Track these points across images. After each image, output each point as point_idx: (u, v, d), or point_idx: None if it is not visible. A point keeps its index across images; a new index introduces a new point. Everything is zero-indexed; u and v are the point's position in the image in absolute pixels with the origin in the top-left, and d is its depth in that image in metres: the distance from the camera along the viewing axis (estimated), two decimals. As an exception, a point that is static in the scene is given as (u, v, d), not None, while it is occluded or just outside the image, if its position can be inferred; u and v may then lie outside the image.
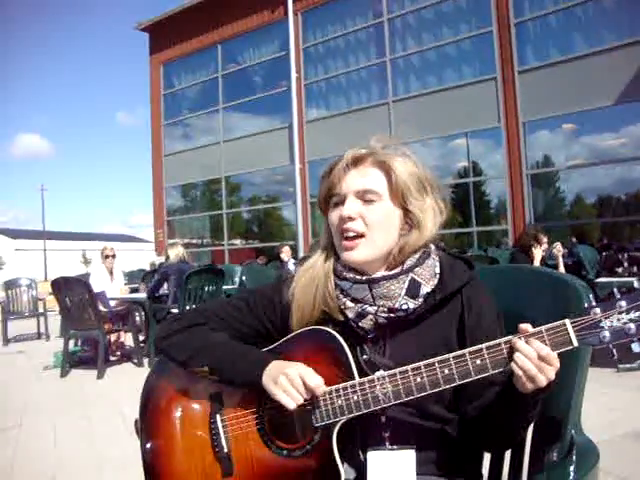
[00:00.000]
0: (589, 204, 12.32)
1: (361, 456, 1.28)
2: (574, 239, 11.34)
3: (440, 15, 13.13)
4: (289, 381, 1.20)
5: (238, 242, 17.58)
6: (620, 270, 5.34)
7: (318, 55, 15.12)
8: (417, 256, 1.33)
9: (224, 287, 7.01)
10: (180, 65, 18.18)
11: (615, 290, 1.12)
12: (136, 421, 1.46)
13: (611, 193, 11.94)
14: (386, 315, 1.28)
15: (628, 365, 4.96)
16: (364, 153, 1.31)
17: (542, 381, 1.09)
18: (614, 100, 10.67)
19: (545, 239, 6.22)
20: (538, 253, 6.03)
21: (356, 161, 1.30)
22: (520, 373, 1.09)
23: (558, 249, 6.50)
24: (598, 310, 1.10)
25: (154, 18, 18.24)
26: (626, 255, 5.48)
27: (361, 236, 1.29)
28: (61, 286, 6.23)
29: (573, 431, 1.30)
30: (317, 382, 1.20)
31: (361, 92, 14.45)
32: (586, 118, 11.41)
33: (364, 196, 1.28)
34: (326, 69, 15.00)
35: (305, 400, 1.21)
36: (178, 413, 1.38)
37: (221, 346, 1.36)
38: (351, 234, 1.28)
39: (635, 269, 5.27)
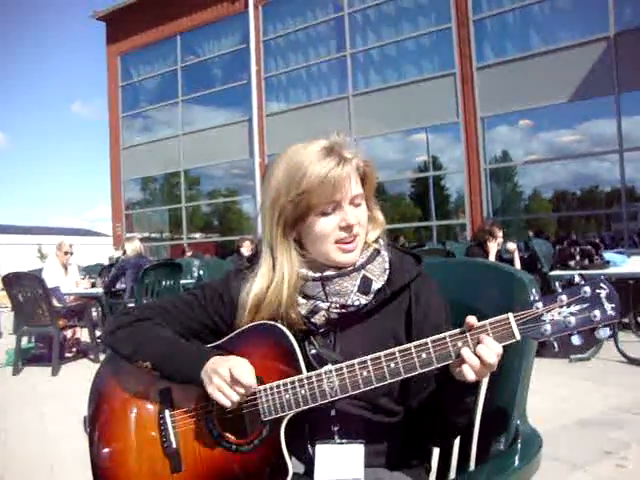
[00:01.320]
0: (545, 199, 12.59)
1: (310, 450, 1.28)
2: (531, 233, 11.58)
3: (400, 10, 13.20)
4: (222, 379, 1.20)
5: (197, 236, 17.43)
6: (572, 263, 5.47)
7: (278, 48, 15.04)
8: (368, 253, 1.35)
9: (182, 282, 6.95)
10: (138, 56, 17.86)
11: (557, 284, 1.15)
12: (84, 418, 1.44)
13: (567, 188, 12.22)
14: (338, 311, 1.29)
15: (579, 355, 5.10)
16: (349, 158, 1.28)
17: (484, 376, 1.14)
18: (569, 97, 10.91)
19: (500, 233, 6.32)
20: (493, 247, 6.14)
21: (345, 165, 1.27)
22: (473, 376, 1.12)
23: (511, 245, 6.63)
24: (540, 304, 1.12)
25: (111, 7, 17.86)
26: (578, 249, 5.61)
27: (357, 236, 1.30)
28: (13, 281, 6.08)
29: (518, 421, 1.32)
30: (243, 374, 1.19)
31: (321, 86, 14.44)
32: (543, 114, 11.64)
33: (354, 200, 1.29)
34: (286, 62, 14.94)
35: (239, 395, 1.20)
36: (127, 409, 1.36)
37: (163, 341, 1.34)
38: (351, 238, 1.29)
39: (587, 262, 5.41)
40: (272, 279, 1.31)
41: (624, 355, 5.07)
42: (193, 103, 16.80)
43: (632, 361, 5.00)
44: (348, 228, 1.27)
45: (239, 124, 15.47)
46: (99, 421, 1.39)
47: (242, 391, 1.20)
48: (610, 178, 11.23)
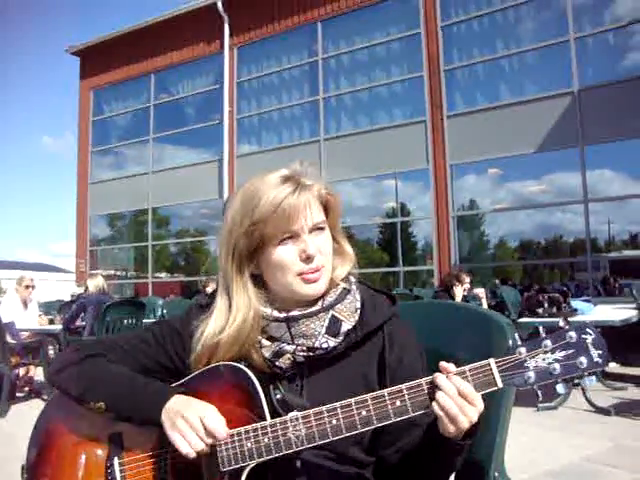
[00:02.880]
0: (511, 247, 12.73)
1: (272, 505, 1.17)
2: (497, 281, 11.66)
3: (373, 58, 13.46)
4: (188, 424, 1.09)
5: (163, 275, 17.15)
6: (541, 311, 5.49)
7: (252, 90, 15.15)
8: (338, 292, 1.26)
9: (145, 320, 6.76)
10: (111, 92, 17.80)
11: (541, 329, 1.09)
12: (22, 467, 1.31)
13: (532, 237, 12.39)
14: (305, 354, 1.20)
15: (547, 404, 5.05)
16: (308, 185, 1.22)
17: (463, 422, 1.03)
18: (536, 148, 11.15)
19: (468, 279, 6.35)
20: (459, 291, 6.15)
21: (302, 193, 1.20)
22: (441, 413, 1.03)
23: (480, 290, 6.65)
24: (523, 350, 1.06)
25: (86, 42, 17.85)
26: (546, 296, 5.64)
27: (321, 267, 1.21)
28: (-36, 316, 5.83)
29: (496, 473, 1.25)
30: (217, 425, 1.09)
31: (293, 129, 14.54)
32: (510, 164, 11.86)
33: (314, 229, 1.21)
34: (259, 104, 15.04)
35: (206, 445, 1.09)
36: (71, 455, 1.24)
37: (118, 378, 1.23)
38: (313, 269, 1.20)
39: (555, 309, 5.42)
40: (228, 319, 1.21)
41: (592, 404, 5.04)
42: (164, 141, 16.73)
43: (600, 410, 4.97)
44: (308, 259, 1.19)
45: (209, 164, 15.42)
46: (37, 471, 1.26)
47: (210, 442, 1.09)
48: (574, 228, 11.43)
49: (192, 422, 1.09)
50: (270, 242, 1.19)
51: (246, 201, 1.20)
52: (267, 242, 1.19)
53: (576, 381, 4.88)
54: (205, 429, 1.09)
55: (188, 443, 1.09)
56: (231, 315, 1.21)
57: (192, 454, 1.09)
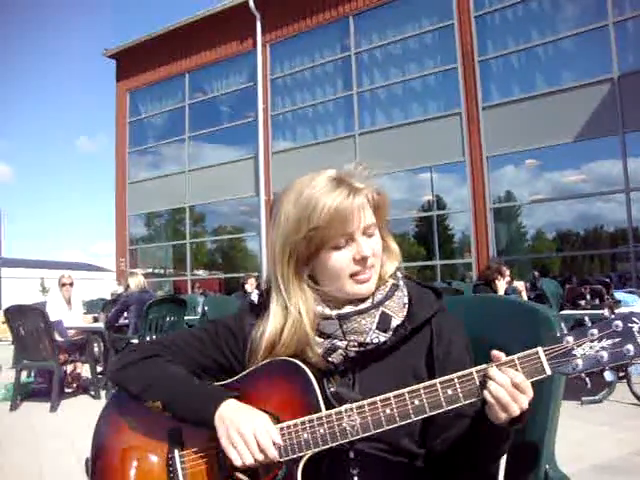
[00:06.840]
0: (549, 239, 12.54)
1: (326, 495, 1.20)
2: (537, 273, 11.50)
3: (406, 51, 13.39)
4: (242, 439, 1.14)
5: (201, 272, 17.36)
6: (583, 303, 5.41)
7: (285, 87, 15.22)
8: (387, 289, 1.30)
9: (186, 317, 6.86)
10: (147, 93, 18.10)
11: (586, 318, 1.10)
12: (87, 460, 1.36)
13: (571, 228, 12.19)
14: (356, 349, 1.23)
15: (591, 398, 4.97)
16: (360, 188, 1.25)
17: (515, 410, 1.06)
18: (574, 137, 10.96)
19: (508, 272, 6.27)
20: (501, 285, 6.07)
21: (356, 197, 1.23)
22: (493, 402, 1.05)
23: (519, 284, 6.57)
24: (570, 338, 1.08)
25: (122, 45, 18.18)
26: (588, 288, 5.56)
27: (372, 267, 1.26)
28: (14, 314, 6.01)
29: (547, 466, 1.25)
30: (269, 445, 1.14)
31: (328, 124, 14.56)
32: (548, 154, 11.69)
33: (367, 230, 1.25)
34: (293, 101, 15.10)
35: (255, 462, 1.14)
36: (133, 450, 1.29)
37: (174, 380, 1.28)
38: (366, 270, 1.25)
39: (597, 301, 5.34)
40: (286, 319, 1.25)
41: (638, 397, 4.95)
42: (200, 140, 16.93)
43: (646, 404, 4.87)
44: (363, 260, 1.23)
45: (245, 161, 15.56)
46: (102, 464, 1.32)
47: (260, 459, 1.14)
48: (615, 218, 11.22)
49: (247, 438, 1.14)
50: (326, 245, 1.22)
51: (301, 207, 1.23)
52: (324, 246, 1.22)
53: (621, 374, 4.79)
54: (258, 446, 1.13)
55: (239, 456, 1.14)
56: (289, 315, 1.25)
57: (239, 463, 1.14)
